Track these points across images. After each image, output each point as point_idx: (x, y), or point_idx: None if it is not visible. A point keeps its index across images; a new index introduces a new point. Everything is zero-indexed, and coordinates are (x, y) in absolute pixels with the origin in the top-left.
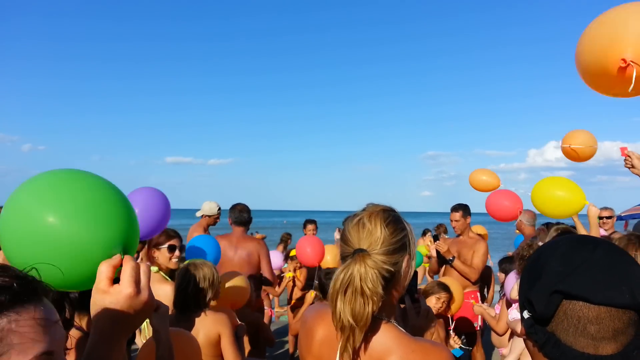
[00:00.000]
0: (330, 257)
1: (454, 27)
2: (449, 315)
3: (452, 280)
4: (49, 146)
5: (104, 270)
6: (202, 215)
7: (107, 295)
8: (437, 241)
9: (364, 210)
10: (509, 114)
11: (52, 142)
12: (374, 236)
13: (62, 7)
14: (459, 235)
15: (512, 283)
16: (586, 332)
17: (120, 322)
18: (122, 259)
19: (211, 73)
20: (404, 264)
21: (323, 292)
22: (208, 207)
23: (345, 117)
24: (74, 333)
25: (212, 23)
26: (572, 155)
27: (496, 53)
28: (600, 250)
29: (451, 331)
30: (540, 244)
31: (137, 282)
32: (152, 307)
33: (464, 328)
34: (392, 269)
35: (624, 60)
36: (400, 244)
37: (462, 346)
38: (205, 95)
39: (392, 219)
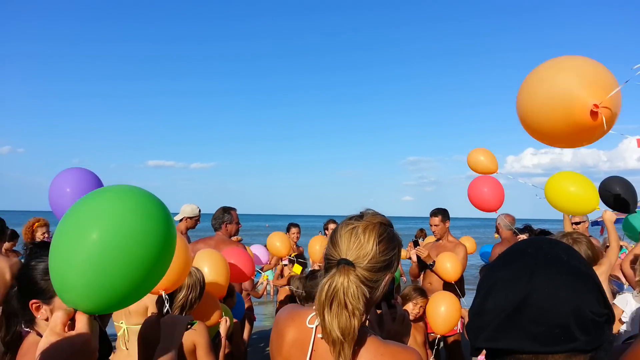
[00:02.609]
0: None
1: (437, 34)
2: (437, 335)
3: (452, 299)
4: (28, 149)
5: (61, 316)
6: (181, 219)
7: (63, 338)
8: (417, 246)
9: (361, 216)
10: (488, 121)
11: (32, 144)
12: (364, 250)
13: (38, 8)
14: (438, 240)
15: None
16: None
17: None
18: (75, 312)
19: (194, 75)
20: (384, 283)
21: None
22: (190, 209)
23: (328, 121)
24: None
25: (192, 25)
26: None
27: (476, 60)
28: (540, 279)
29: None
30: None
31: (93, 331)
32: (95, 356)
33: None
34: (372, 286)
35: (596, 106)
36: (386, 263)
37: None
38: (188, 98)
39: (386, 235)
